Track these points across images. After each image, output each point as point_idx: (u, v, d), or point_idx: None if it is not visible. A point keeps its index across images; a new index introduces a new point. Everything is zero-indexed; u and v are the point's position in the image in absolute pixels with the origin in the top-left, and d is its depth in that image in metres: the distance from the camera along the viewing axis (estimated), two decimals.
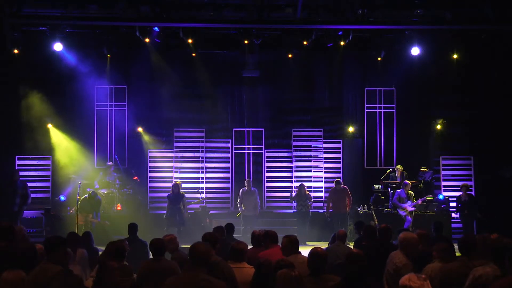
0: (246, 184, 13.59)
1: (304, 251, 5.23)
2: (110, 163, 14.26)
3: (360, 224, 8.77)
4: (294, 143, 15.39)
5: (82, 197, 12.53)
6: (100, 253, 7.16)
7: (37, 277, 4.54)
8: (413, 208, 12.87)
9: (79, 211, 12.17)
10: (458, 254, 5.42)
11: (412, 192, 13.06)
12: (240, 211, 13.33)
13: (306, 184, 14.00)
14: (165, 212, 13.07)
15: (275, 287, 4.25)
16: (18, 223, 11.90)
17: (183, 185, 14.20)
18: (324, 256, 4.79)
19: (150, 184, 15.00)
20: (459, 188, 13.77)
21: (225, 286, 4.26)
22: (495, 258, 4.37)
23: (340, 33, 13.32)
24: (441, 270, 4.87)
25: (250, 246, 6.84)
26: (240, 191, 13.55)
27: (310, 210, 13.41)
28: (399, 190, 13.06)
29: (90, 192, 12.58)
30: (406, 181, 13.22)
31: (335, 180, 13.62)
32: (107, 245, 5.64)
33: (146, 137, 15.00)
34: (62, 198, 13.53)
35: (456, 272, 4.72)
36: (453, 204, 13.78)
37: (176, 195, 12.84)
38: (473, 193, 14.48)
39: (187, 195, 13.73)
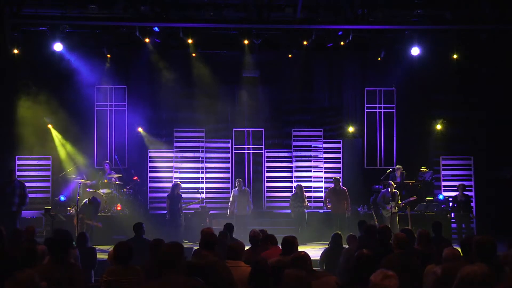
0: (237, 184, 13.49)
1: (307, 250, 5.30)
2: (107, 161, 14.25)
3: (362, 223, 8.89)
4: (294, 143, 15.37)
5: (83, 202, 12.56)
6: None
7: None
8: (395, 209, 12.78)
9: (80, 212, 12.20)
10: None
11: (397, 191, 13.00)
12: (234, 212, 13.23)
13: (306, 184, 13.97)
14: (165, 212, 13.11)
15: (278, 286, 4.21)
16: (17, 223, 11.92)
17: (183, 185, 14.18)
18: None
19: (150, 184, 14.98)
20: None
21: (202, 285, 4.14)
22: (481, 257, 4.37)
23: (340, 33, 13.33)
24: (443, 269, 4.87)
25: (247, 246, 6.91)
26: (232, 192, 13.52)
27: (306, 211, 13.37)
28: (384, 190, 13.06)
29: (90, 197, 12.59)
30: (390, 181, 13.21)
31: (334, 178, 13.53)
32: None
33: (146, 137, 14.99)
34: (62, 198, 13.54)
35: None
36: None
37: (177, 196, 12.90)
38: (473, 193, 14.49)
39: (187, 195, 13.73)
